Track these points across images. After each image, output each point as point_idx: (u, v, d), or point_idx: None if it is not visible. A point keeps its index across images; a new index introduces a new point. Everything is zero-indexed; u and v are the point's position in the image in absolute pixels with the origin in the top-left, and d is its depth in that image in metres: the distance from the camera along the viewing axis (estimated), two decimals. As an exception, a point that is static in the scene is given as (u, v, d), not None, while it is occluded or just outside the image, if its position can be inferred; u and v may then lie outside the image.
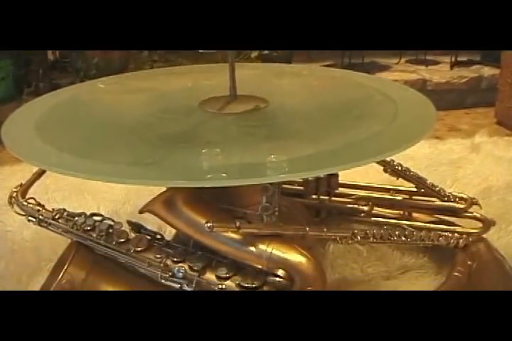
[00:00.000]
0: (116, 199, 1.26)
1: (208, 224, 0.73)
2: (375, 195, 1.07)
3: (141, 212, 0.81)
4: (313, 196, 1.06)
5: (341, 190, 1.08)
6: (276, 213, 0.77)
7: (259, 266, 0.78)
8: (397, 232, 0.88)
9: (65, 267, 0.79)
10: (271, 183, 0.75)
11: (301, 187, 1.07)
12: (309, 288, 0.75)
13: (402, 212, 1.09)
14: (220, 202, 0.81)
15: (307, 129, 0.85)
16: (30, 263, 1.03)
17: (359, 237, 0.84)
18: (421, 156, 1.40)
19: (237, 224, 0.75)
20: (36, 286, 0.92)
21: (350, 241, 0.83)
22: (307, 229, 0.79)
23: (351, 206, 1.05)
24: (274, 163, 0.72)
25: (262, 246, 0.77)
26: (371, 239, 0.86)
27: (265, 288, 0.78)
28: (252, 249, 0.77)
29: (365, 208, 1.04)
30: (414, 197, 1.07)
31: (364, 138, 0.79)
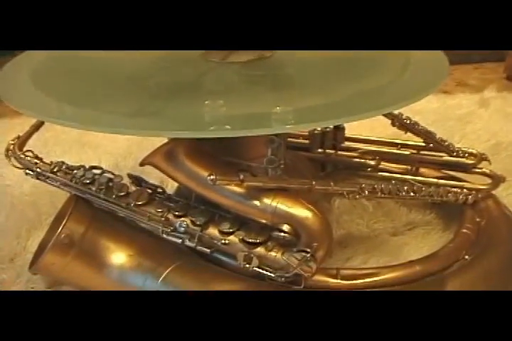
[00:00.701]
0: (118, 152, 1.23)
1: (211, 177, 0.69)
2: (382, 149, 1.03)
3: (141, 164, 0.77)
4: (319, 150, 1.02)
5: (347, 144, 1.04)
6: (282, 166, 0.73)
7: (264, 221, 0.74)
8: (405, 187, 0.85)
9: (64, 221, 0.76)
10: (277, 135, 0.71)
11: (306, 141, 1.03)
12: (315, 244, 0.71)
13: (409, 167, 1.04)
14: (223, 155, 0.77)
15: (314, 79, 0.81)
16: (30, 218, 1.01)
17: (366, 192, 0.80)
18: (428, 111, 1.34)
19: (241, 177, 0.71)
20: (36, 241, 0.90)
21: (357, 196, 0.79)
22: (313, 182, 0.75)
23: (358, 160, 1.01)
24: (279, 113, 0.69)
25: (267, 200, 0.73)
26: (379, 193, 0.82)
27: (269, 244, 0.74)
28: (257, 203, 0.73)
29: (372, 162, 1.00)
30: (422, 152, 1.03)
31: (373, 89, 0.75)
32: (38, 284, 0.86)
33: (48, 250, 0.73)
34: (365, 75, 0.80)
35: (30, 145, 0.88)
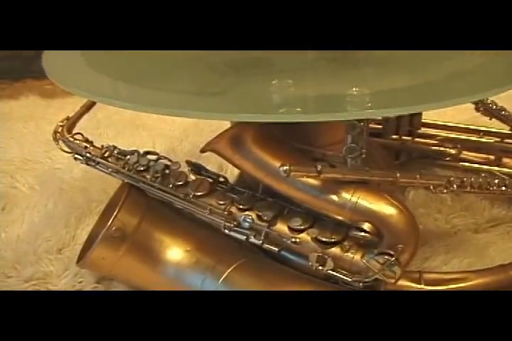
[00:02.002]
0: (174, 135, 1.14)
1: (284, 168, 0.59)
2: (462, 136, 0.92)
3: (202, 150, 0.68)
4: (394, 136, 0.91)
5: (424, 130, 0.93)
6: (363, 155, 0.63)
7: (341, 218, 0.65)
8: (496, 181, 0.73)
9: (115, 213, 0.68)
10: (358, 120, 0.60)
11: (379, 126, 0.92)
12: (400, 246, 0.62)
13: (490, 157, 0.92)
14: (295, 141, 0.68)
15: (399, 58, 0.70)
16: (80, 204, 0.92)
17: (455, 186, 0.69)
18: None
19: (319, 168, 0.60)
20: (85, 230, 0.83)
21: (445, 190, 0.68)
22: (398, 175, 0.64)
23: (437, 148, 0.90)
24: (359, 96, 0.58)
25: (346, 195, 0.63)
26: (468, 188, 0.70)
27: (346, 244, 0.65)
28: (334, 197, 0.64)
29: (453, 151, 0.89)
30: (506, 141, 0.92)
31: (465, 71, 0.65)
32: (86, 278, 0.78)
33: (97, 244, 0.66)
34: (456, 56, 0.68)
35: (80, 126, 0.80)
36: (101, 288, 0.76)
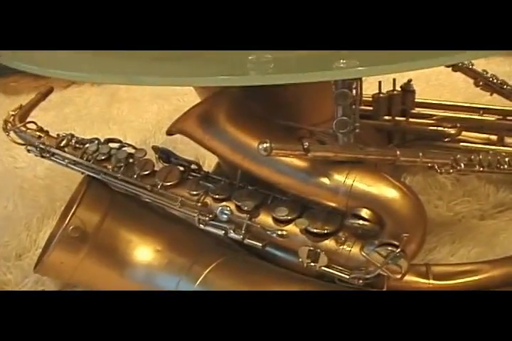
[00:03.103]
0: (146, 128, 1.04)
1: (264, 145, 0.50)
2: (461, 115, 0.82)
3: (169, 132, 0.60)
4: (386, 117, 0.81)
5: (418, 110, 0.84)
6: (357, 130, 0.53)
7: (334, 205, 0.55)
8: (506, 159, 0.64)
9: (73, 210, 0.59)
10: (350, 88, 0.49)
11: (368, 107, 0.82)
12: (405, 235, 0.52)
13: (490, 137, 0.83)
14: (277, 118, 0.58)
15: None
16: (42, 204, 0.84)
17: (462, 165, 0.60)
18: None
19: (305, 144, 0.51)
20: (49, 232, 0.72)
21: (451, 170, 0.59)
22: (398, 153, 0.55)
23: (434, 128, 0.80)
24: (345, 54, 0.47)
25: (339, 177, 0.54)
26: (477, 167, 0.61)
27: (341, 235, 0.55)
28: (325, 180, 0.54)
29: (452, 131, 0.80)
30: (509, 118, 0.82)
31: None
32: (47, 286, 0.70)
33: (54, 246, 0.58)
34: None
35: (46, 122, 0.72)
36: (64, 296, 0.66)
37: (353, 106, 0.53)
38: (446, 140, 0.82)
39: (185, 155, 0.67)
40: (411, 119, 0.83)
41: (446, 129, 0.80)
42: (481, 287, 0.60)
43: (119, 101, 1.13)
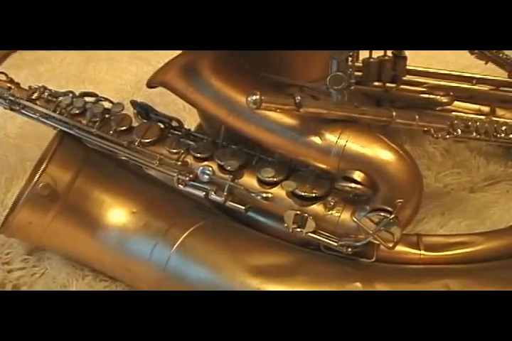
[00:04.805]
0: (124, 89, 0.99)
1: (254, 97, 0.45)
2: (454, 84, 0.78)
3: (149, 84, 0.56)
4: (376, 83, 0.77)
5: (409, 77, 0.80)
6: (352, 87, 0.50)
7: (325, 167, 0.51)
8: (503, 128, 0.62)
9: (43, 166, 0.55)
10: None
11: (358, 73, 0.78)
12: (399, 201, 0.48)
13: (481, 108, 0.80)
14: (266, 72, 0.54)
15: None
16: (12, 164, 0.78)
17: (459, 131, 0.58)
18: None
19: (297, 99, 0.46)
20: (17, 192, 0.66)
21: (447, 136, 0.57)
22: (393, 114, 0.51)
23: (425, 96, 0.76)
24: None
25: (332, 136, 0.50)
26: (473, 134, 0.60)
27: (331, 200, 0.52)
28: (316, 140, 0.50)
29: (444, 99, 0.75)
30: (503, 89, 0.78)
31: None
32: (15, 249, 0.65)
33: (22, 205, 0.55)
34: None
35: (19, 80, 0.65)
36: (32, 260, 0.64)
37: (349, 61, 0.50)
38: (437, 109, 0.78)
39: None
40: (402, 86, 0.79)
41: (438, 97, 0.76)
42: (474, 259, 0.56)
43: (97, 61, 1.07)
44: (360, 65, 0.78)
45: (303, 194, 0.52)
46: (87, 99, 0.61)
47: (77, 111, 0.59)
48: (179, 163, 0.55)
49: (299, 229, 0.51)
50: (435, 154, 0.78)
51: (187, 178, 0.54)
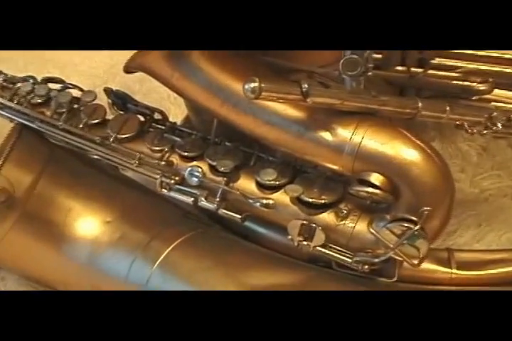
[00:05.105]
0: (96, 74, 1.03)
1: (252, 85, 0.47)
2: (495, 68, 0.81)
3: (127, 69, 0.58)
4: (399, 67, 0.79)
5: (439, 60, 0.82)
6: (370, 73, 0.51)
7: (336, 168, 0.53)
8: None
9: None
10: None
11: (377, 55, 0.81)
12: (426, 209, 0.50)
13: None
14: (266, 55, 0.57)
15: None
16: None
17: (499, 125, 0.58)
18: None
19: (305, 87, 0.48)
20: None
21: (484, 131, 0.58)
22: (419, 104, 0.53)
23: (459, 83, 0.78)
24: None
25: (345, 132, 0.52)
26: None
27: (343, 207, 0.54)
28: (327, 135, 0.52)
29: (482, 87, 0.77)
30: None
31: None
32: None
33: None
34: None
35: None
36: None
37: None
38: (473, 98, 0.81)
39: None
40: (430, 71, 0.81)
41: (474, 84, 0.78)
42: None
43: (62, 39, 1.11)
44: (380, 45, 0.80)
45: (310, 200, 0.54)
46: (51, 85, 0.65)
47: (39, 101, 0.62)
48: (163, 162, 0.58)
49: (305, 243, 0.53)
50: (470, 153, 0.80)
51: (172, 181, 0.57)
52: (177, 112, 0.78)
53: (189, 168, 0.56)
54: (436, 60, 0.80)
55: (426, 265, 0.57)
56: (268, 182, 0.55)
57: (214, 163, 0.57)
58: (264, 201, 0.54)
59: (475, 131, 0.58)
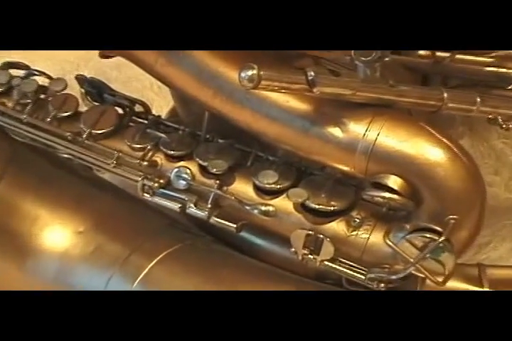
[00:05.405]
0: (66, 59, 1.05)
1: (250, 73, 0.48)
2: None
3: (104, 54, 0.61)
4: (422, 52, 0.81)
5: None
6: (387, 58, 0.53)
7: (347, 169, 0.55)
8: None
9: None
10: None
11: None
12: (452, 218, 0.51)
13: None
14: None
15: None
16: None
17: None
18: None
19: (311, 75, 0.49)
20: None
21: None
22: (444, 95, 0.55)
23: (492, 69, 0.79)
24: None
25: (358, 127, 0.53)
26: None
27: (355, 215, 0.56)
28: (336, 131, 0.53)
29: (518, 74, 0.79)
30: None
31: None
32: None
33: None
34: None
35: None
36: None
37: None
38: (509, 88, 0.82)
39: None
40: (458, 56, 0.83)
41: (511, 71, 0.80)
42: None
43: (25, 18, 1.12)
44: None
45: (317, 207, 0.55)
46: (12, 72, 0.67)
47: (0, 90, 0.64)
48: (145, 163, 0.59)
49: (311, 256, 0.55)
50: (505, 152, 0.82)
51: (156, 184, 0.58)
52: (162, 104, 0.79)
53: (176, 169, 0.58)
54: (463, 43, 0.82)
55: (452, 283, 0.58)
56: (268, 186, 0.57)
57: (205, 164, 0.58)
58: (263, 208, 0.56)
59: (510, 126, 0.60)
